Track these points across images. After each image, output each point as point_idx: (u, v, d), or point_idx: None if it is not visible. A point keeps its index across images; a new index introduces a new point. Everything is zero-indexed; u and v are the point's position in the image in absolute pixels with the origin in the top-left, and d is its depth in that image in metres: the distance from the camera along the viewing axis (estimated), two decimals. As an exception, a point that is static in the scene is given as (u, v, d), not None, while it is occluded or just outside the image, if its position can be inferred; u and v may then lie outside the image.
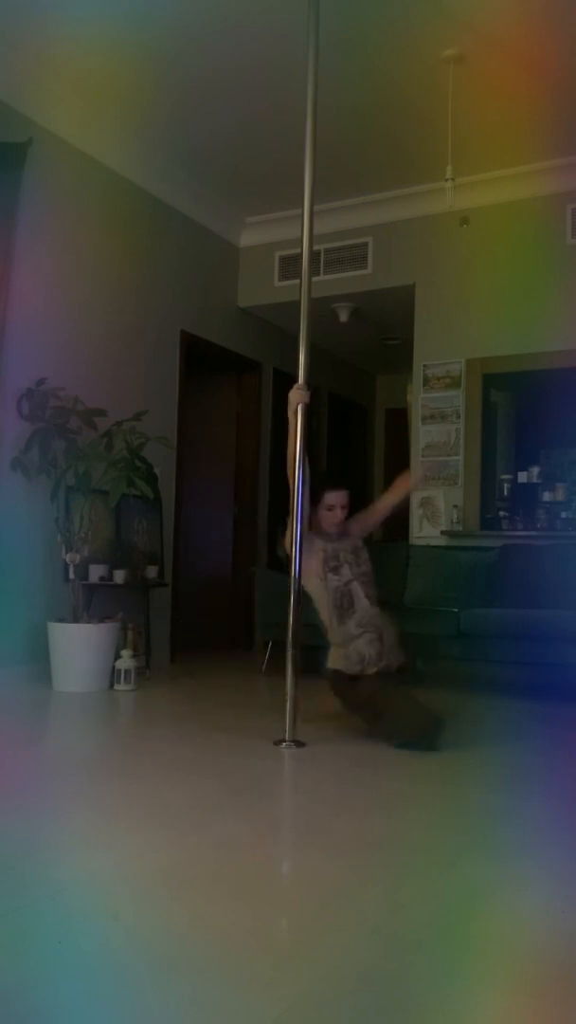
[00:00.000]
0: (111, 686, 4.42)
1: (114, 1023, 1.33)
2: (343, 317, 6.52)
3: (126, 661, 4.42)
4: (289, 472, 3.51)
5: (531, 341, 5.41)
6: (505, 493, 5.71)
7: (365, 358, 8.18)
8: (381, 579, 3.73)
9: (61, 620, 4.43)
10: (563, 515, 5.45)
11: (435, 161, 4.77)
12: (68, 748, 3.34)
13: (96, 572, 4.78)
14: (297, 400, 3.49)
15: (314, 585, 3.49)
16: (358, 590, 3.48)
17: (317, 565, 3.48)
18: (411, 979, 1.49)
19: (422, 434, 5.76)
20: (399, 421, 8.32)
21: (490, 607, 4.73)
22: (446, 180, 4.30)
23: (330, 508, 3.56)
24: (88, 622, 4.41)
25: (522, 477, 5.70)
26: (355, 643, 3.40)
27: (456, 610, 4.68)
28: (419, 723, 3.23)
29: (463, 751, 3.15)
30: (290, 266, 6.21)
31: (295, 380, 3.54)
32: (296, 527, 3.51)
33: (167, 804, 2.48)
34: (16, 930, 1.61)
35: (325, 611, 3.49)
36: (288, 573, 3.54)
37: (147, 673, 4.88)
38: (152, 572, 5.19)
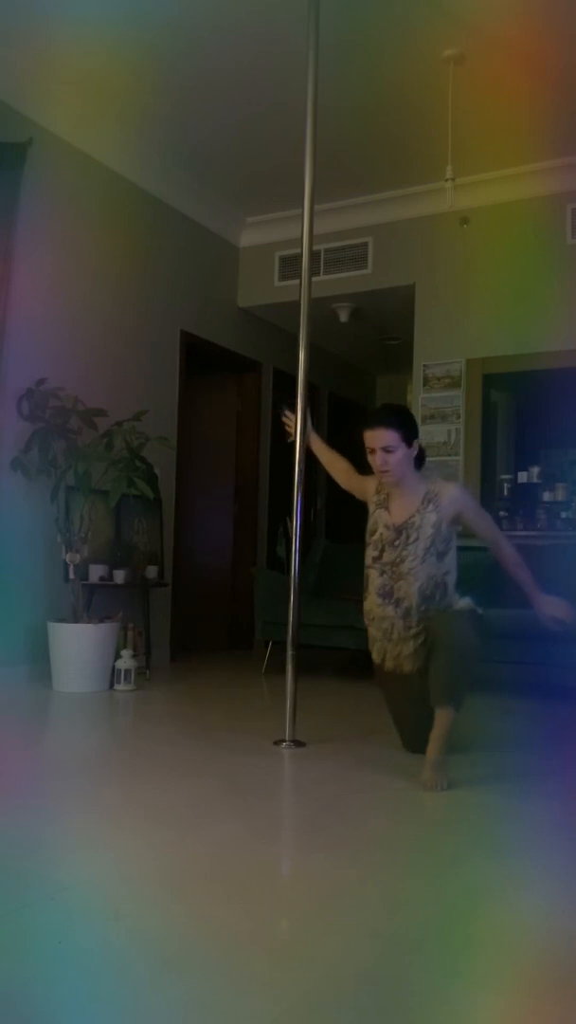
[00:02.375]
0: (111, 686, 4.42)
1: (114, 1023, 1.33)
2: (343, 317, 6.52)
3: (126, 661, 4.43)
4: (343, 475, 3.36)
5: (531, 341, 5.41)
6: (505, 493, 5.71)
7: (365, 358, 8.18)
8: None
9: (61, 620, 4.43)
10: (563, 515, 5.45)
11: (435, 161, 4.77)
12: (68, 748, 3.34)
13: (96, 572, 4.78)
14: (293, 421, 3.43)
15: None
16: (372, 579, 3.00)
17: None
18: (411, 979, 1.49)
19: (422, 434, 5.75)
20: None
21: (490, 607, 4.72)
22: (446, 180, 4.30)
23: (370, 452, 2.96)
24: (88, 622, 4.41)
25: (522, 477, 5.71)
26: (369, 627, 3.10)
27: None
28: (405, 740, 3.16)
29: (463, 751, 3.14)
30: (290, 266, 6.21)
31: (295, 380, 3.54)
32: (296, 526, 3.51)
33: (167, 804, 2.48)
34: (16, 930, 1.61)
35: None
36: (288, 573, 3.54)
37: (147, 673, 4.88)
38: (152, 572, 5.19)
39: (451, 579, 2.97)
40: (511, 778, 2.90)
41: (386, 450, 2.92)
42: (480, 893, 1.90)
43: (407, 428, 2.98)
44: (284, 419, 3.52)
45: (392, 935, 1.66)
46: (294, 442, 3.44)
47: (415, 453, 2.99)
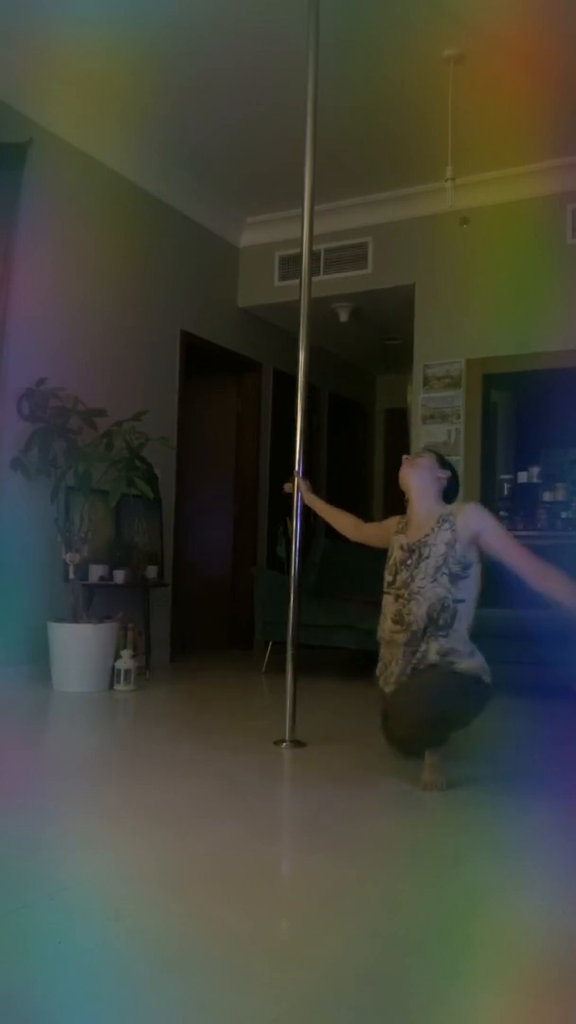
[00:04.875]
0: (111, 686, 4.42)
1: (114, 1023, 1.33)
2: (343, 317, 6.52)
3: (126, 661, 4.42)
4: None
5: (531, 341, 5.41)
6: (505, 493, 5.71)
7: (365, 358, 8.18)
8: (380, 579, 3.61)
9: (61, 620, 4.43)
10: (563, 515, 5.45)
11: (435, 161, 4.77)
12: (68, 748, 3.34)
13: (96, 572, 4.78)
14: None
15: None
16: (388, 605, 2.91)
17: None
18: (411, 980, 1.49)
19: (422, 434, 5.76)
20: (399, 421, 8.33)
21: (490, 607, 4.72)
22: (446, 180, 4.30)
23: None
24: (88, 622, 4.41)
25: (522, 477, 5.71)
26: (381, 648, 2.97)
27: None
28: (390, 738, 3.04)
29: (463, 751, 3.14)
30: (290, 266, 6.21)
31: (295, 380, 3.54)
32: (296, 526, 3.51)
33: (167, 804, 2.48)
34: (16, 930, 1.61)
35: None
36: (288, 573, 3.54)
37: (147, 673, 4.88)
38: (152, 572, 5.19)
39: (464, 610, 2.76)
40: (511, 778, 2.90)
41: (408, 461, 3.07)
42: (480, 893, 1.90)
43: (441, 456, 3.11)
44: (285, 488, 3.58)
45: (392, 935, 1.66)
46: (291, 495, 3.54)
47: (441, 476, 2.99)
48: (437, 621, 2.75)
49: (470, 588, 2.80)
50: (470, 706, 2.76)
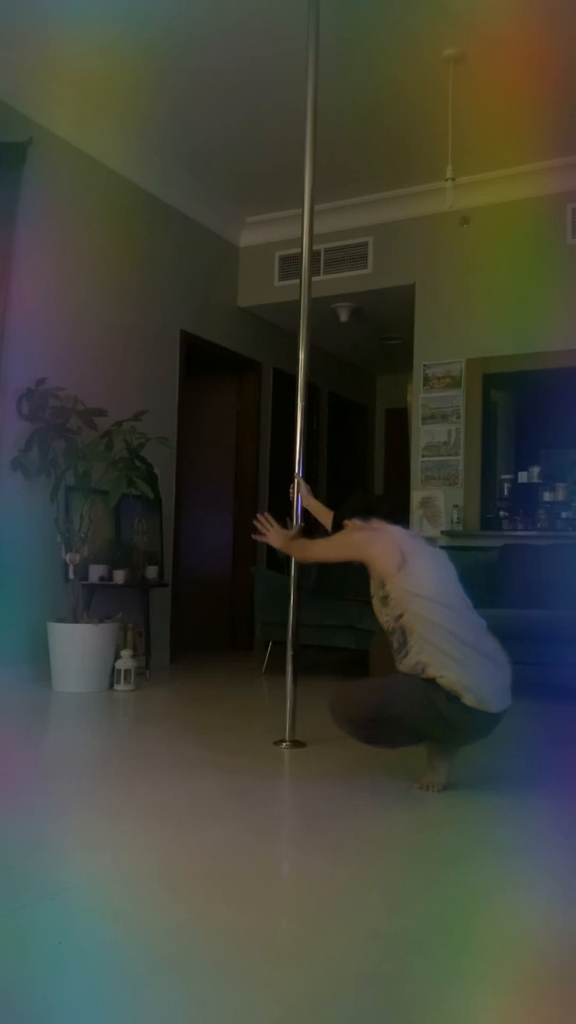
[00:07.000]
0: (111, 686, 4.42)
1: (114, 1023, 1.33)
2: (343, 317, 6.52)
3: (126, 661, 4.43)
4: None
5: (531, 341, 5.41)
6: (505, 493, 5.71)
7: (365, 358, 8.18)
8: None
9: (61, 620, 4.43)
10: (563, 515, 5.45)
11: (435, 161, 4.77)
12: (68, 748, 3.34)
13: (96, 572, 4.78)
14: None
15: None
16: None
17: None
18: (411, 979, 1.49)
19: (422, 434, 5.76)
20: (399, 421, 8.34)
21: (490, 607, 4.72)
22: (446, 180, 4.30)
23: None
24: (88, 622, 4.41)
25: (522, 477, 5.71)
26: None
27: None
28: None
29: (462, 751, 3.14)
30: (290, 266, 6.21)
31: (295, 380, 3.54)
32: (296, 527, 3.51)
33: (167, 804, 2.48)
34: (16, 930, 1.61)
35: None
36: (288, 573, 3.54)
37: (147, 673, 4.88)
38: (152, 572, 5.19)
39: (408, 623, 2.62)
40: (511, 778, 2.90)
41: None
42: (480, 893, 1.90)
43: (336, 517, 3.01)
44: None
45: (392, 935, 1.66)
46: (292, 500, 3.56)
47: (360, 526, 2.87)
48: (397, 646, 2.67)
49: (400, 600, 2.65)
50: (427, 718, 2.58)
